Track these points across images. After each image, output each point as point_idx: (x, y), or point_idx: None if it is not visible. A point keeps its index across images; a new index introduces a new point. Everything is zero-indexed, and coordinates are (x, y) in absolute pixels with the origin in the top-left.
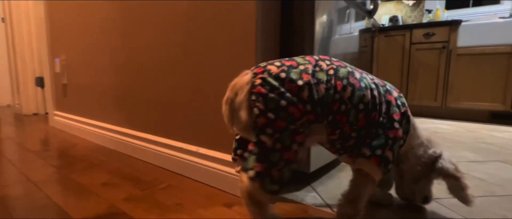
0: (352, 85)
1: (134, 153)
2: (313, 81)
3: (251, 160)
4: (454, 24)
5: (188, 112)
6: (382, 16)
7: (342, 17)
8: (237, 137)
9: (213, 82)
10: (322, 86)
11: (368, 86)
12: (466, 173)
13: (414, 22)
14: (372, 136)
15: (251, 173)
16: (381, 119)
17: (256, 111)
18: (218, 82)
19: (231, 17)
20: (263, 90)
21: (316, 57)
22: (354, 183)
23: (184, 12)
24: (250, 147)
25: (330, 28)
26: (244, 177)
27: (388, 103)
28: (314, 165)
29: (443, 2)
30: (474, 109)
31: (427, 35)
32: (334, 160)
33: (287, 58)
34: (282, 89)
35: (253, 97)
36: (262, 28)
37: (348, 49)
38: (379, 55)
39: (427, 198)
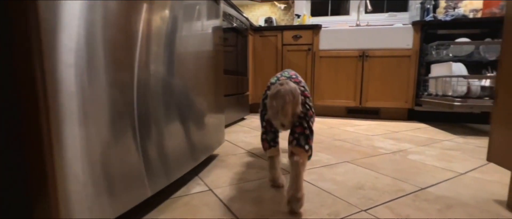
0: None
1: None
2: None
3: (303, 138)
4: (316, 29)
5: None
6: (260, 17)
7: (190, 14)
8: (272, 130)
9: None
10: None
11: None
12: (316, 185)
13: (286, 25)
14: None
15: (307, 147)
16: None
17: (307, 106)
18: None
19: None
20: (307, 94)
21: (294, 72)
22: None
23: None
24: (299, 130)
25: (174, 24)
26: (303, 152)
27: None
28: (118, 208)
29: (309, 9)
30: (335, 106)
31: (295, 37)
32: (172, 186)
33: (287, 71)
34: (309, 94)
35: (302, 98)
36: None
37: (202, 46)
38: (256, 54)
39: None
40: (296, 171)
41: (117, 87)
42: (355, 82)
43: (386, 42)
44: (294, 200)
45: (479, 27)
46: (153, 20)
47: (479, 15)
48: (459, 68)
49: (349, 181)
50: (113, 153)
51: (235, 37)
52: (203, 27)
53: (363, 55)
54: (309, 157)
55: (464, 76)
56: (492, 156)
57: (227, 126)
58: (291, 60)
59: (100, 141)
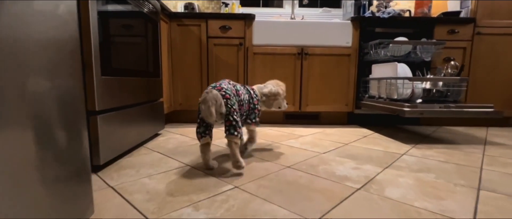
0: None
1: None
2: (235, 93)
3: (232, 128)
4: (249, 19)
5: None
6: (178, 3)
7: None
8: (203, 125)
9: None
10: (236, 94)
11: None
12: None
13: (211, 12)
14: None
15: (236, 133)
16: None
17: (228, 106)
18: None
19: None
20: (227, 96)
21: (222, 81)
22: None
23: None
24: (228, 123)
25: None
26: (233, 137)
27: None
28: None
29: None
30: (272, 111)
31: (223, 28)
32: None
33: (217, 84)
34: (231, 96)
35: (224, 101)
36: None
37: (56, 33)
38: (173, 48)
39: None
40: (232, 150)
41: None
42: (294, 84)
43: (325, 39)
44: (236, 166)
45: (413, 27)
46: None
47: (406, 15)
48: (404, 70)
49: None
50: None
51: (144, 26)
52: (58, 3)
53: (302, 53)
54: (238, 134)
55: (409, 78)
56: None
57: (126, 152)
58: (220, 57)
59: None
